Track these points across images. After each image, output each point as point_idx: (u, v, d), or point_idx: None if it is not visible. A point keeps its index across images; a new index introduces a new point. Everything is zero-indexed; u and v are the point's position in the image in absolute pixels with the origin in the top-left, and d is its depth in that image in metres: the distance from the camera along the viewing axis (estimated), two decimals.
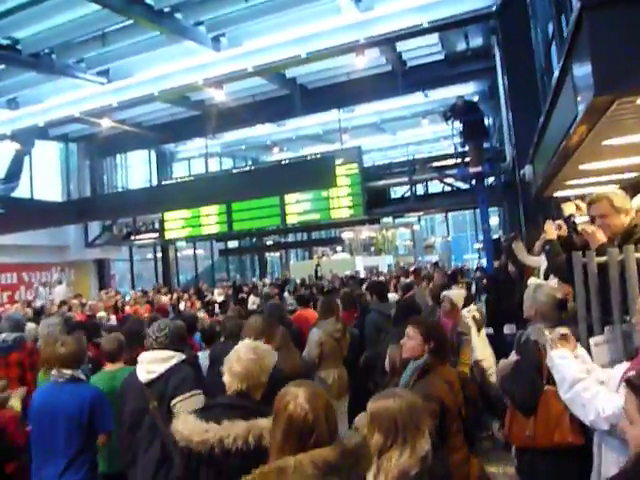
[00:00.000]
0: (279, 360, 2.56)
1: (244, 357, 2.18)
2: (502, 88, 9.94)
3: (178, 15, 9.16)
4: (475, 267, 15.59)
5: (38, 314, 7.45)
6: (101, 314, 7.06)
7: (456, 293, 4.82)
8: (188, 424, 2.02)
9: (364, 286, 7.74)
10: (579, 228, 3.05)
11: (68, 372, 3.11)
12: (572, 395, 2.17)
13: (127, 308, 9.22)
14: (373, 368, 3.84)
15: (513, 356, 3.01)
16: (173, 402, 2.78)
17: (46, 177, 15.99)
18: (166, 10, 8.91)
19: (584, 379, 2.14)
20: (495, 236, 12.95)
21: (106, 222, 15.35)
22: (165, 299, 10.50)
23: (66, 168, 16.50)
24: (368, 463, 1.68)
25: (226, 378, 2.17)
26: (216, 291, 11.64)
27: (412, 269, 12.88)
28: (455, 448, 2.42)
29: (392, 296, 6.78)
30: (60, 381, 3.12)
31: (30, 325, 5.43)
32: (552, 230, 3.40)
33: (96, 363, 4.31)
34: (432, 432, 1.85)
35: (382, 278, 13.00)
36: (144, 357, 3.01)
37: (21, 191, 15.00)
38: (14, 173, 14.90)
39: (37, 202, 14.72)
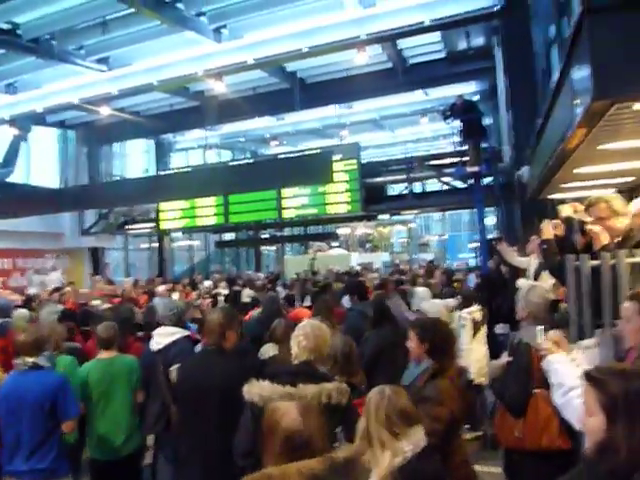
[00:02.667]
0: (282, 354, 2.75)
1: (312, 333, 2.56)
2: (502, 88, 9.96)
3: (180, 5, 9.11)
4: (470, 267, 15.64)
5: (30, 301, 7.43)
6: (96, 302, 7.04)
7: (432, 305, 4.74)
8: (265, 388, 2.25)
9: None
10: (587, 227, 3.02)
11: (30, 360, 3.13)
12: (566, 401, 2.18)
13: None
14: None
15: (504, 357, 3.03)
16: (171, 369, 3.26)
17: (43, 163, 15.91)
18: (168, 0, 8.86)
19: (580, 386, 2.15)
20: (490, 236, 12.99)
21: (102, 210, 15.28)
22: (163, 288, 10.48)
23: (64, 155, 16.40)
24: (362, 476, 1.68)
25: (294, 350, 2.55)
26: (210, 283, 11.62)
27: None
28: (456, 450, 2.41)
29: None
30: (23, 369, 3.15)
31: (21, 311, 5.44)
32: (549, 230, 3.42)
33: (81, 351, 4.33)
34: (436, 433, 1.86)
35: (376, 275, 13.02)
36: (157, 331, 3.83)
37: (17, 177, 14.92)
38: (10, 158, 14.80)
39: (33, 188, 14.63)
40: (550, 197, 6.20)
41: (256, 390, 2.26)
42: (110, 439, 3.51)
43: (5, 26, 9.51)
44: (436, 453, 1.93)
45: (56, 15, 9.33)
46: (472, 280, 8.91)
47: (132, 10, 9.11)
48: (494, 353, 4.71)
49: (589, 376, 1.46)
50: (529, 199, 7.15)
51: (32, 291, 11.29)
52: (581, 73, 3.00)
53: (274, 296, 5.93)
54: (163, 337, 3.73)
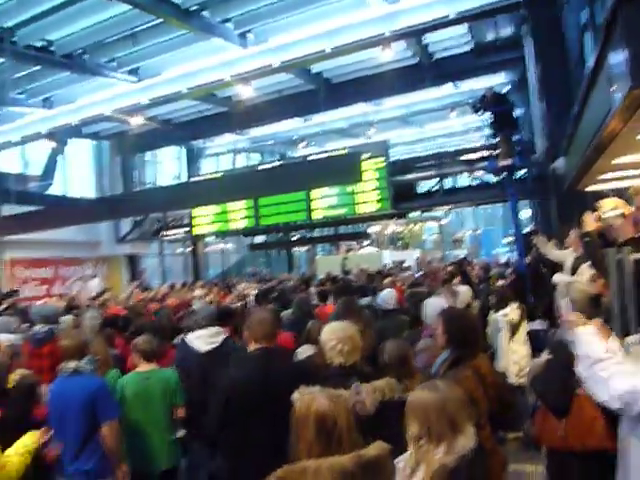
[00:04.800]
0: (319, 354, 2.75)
1: (345, 336, 2.61)
2: (533, 78, 9.71)
3: (205, 13, 9.25)
4: (505, 261, 15.33)
5: (72, 308, 7.67)
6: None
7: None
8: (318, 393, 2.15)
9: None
10: (609, 220, 2.94)
11: (72, 364, 3.22)
12: (590, 374, 2.14)
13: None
14: None
15: (545, 355, 2.95)
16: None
17: (79, 174, 16.44)
18: (194, 8, 9.01)
19: (605, 359, 2.09)
20: (526, 230, 12.68)
21: (137, 218, 15.66)
22: (199, 292, 10.68)
23: (98, 165, 16.93)
24: (390, 475, 1.68)
25: (336, 358, 2.57)
26: (245, 284, 11.81)
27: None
28: (482, 441, 2.38)
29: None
30: (67, 373, 3.23)
31: (68, 317, 5.62)
32: (591, 221, 3.32)
33: (119, 357, 4.41)
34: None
35: (409, 273, 12.89)
36: (201, 333, 3.81)
37: (56, 188, 15.48)
38: (49, 171, 15.37)
39: (71, 199, 15.14)
40: (588, 189, 6.00)
41: (307, 397, 2.22)
42: (146, 454, 3.49)
43: (40, 43, 9.86)
44: (485, 453, 1.91)
45: (87, 30, 9.62)
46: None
47: (160, 20, 9.32)
48: (534, 350, 4.60)
49: None
50: (566, 191, 6.94)
51: (73, 296, 11.68)
52: (618, 59, 2.90)
53: (305, 297, 5.93)
54: (213, 337, 3.77)
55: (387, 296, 4.99)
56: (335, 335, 2.62)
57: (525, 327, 4.94)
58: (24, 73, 10.90)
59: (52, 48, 10.06)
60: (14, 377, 3.41)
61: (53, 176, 15.41)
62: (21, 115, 12.75)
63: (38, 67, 10.79)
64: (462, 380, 2.46)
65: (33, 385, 3.44)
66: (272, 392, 2.64)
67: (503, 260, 16.78)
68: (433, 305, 3.85)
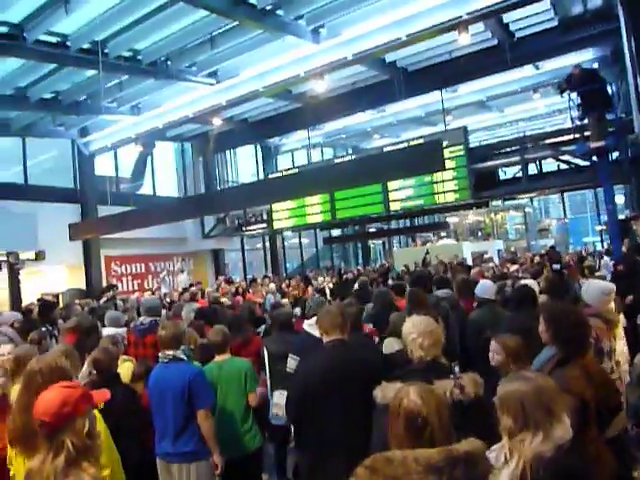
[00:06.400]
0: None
1: (425, 330, 2.59)
2: (628, 51, 8.94)
3: (279, 12, 9.41)
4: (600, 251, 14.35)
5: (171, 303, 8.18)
6: (223, 300, 7.60)
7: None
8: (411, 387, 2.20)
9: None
10: None
11: (170, 353, 3.40)
12: None
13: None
14: None
15: None
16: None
17: (165, 175, 17.45)
18: (268, 8, 9.19)
19: None
20: (621, 217, 11.76)
21: (219, 215, 16.33)
22: (273, 286, 11.04)
23: (182, 166, 17.87)
24: (484, 472, 1.64)
25: (417, 352, 2.55)
26: (326, 278, 12.09)
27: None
28: (591, 442, 2.26)
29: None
30: (165, 361, 3.42)
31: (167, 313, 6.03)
32: None
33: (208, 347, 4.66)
34: (572, 424, 1.78)
35: (491, 265, 12.43)
36: (312, 321, 3.78)
37: (145, 189, 16.54)
38: (139, 173, 16.45)
39: (160, 198, 16.11)
40: None
41: (390, 393, 2.19)
42: (226, 440, 3.60)
43: (127, 54, 10.51)
44: (585, 446, 1.82)
45: (169, 38, 10.12)
46: (608, 265, 8.14)
47: (236, 23, 9.60)
48: (636, 347, 4.26)
49: None
50: None
51: (164, 291, 12.46)
52: None
53: (385, 291, 5.86)
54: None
55: (486, 286, 4.84)
56: (416, 329, 2.61)
57: (622, 321, 4.59)
58: (114, 82, 11.69)
59: (139, 57, 10.69)
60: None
61: (143, 177, 16.47)
62: (112, 122, 13.70)
63: (126, 76, 11.53)
64: (570, 380, 2.34)
65: (146, 372, 3.70)
66: (343, 384, 2.68)
67: (596, 249, 15.70)
68: (595, 285, 3.89)
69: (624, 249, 8.31)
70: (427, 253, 15.34)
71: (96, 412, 2.32)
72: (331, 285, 11.15)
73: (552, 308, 2.85)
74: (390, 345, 3.65)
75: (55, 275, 13.65)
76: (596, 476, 2.06)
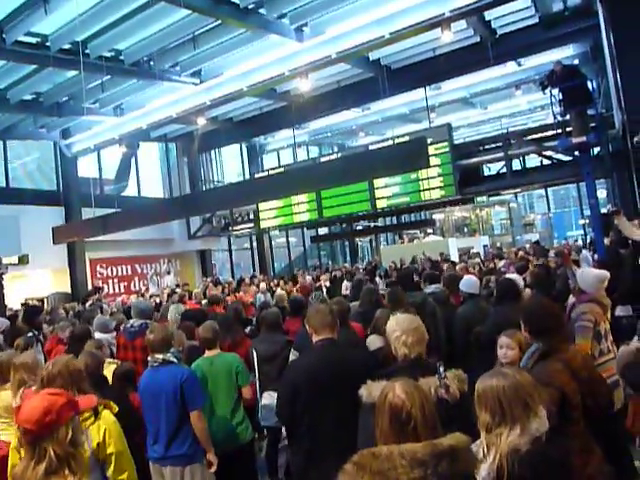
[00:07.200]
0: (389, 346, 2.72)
1: (409, 327, 2.55)
2: (607, 47, 9.07)
3: (262, 10, 9.38)
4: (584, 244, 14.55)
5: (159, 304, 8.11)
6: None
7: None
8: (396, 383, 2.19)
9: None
10: None
11: (159, 356, 3.38)
12: None
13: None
14: None
15: (635, 342, 2.78)
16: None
17: (150, 175, 17.31)
18: (250, 7, 9.16)
19: None
20: (604, 210, 11.94)
21: (206, 215, 16.25)
22: (263, 286, 11.03)
23: (167, 166, 17.73)
24: (469, 466, 1.65)
25: (401, 350, 2.52)
26: (322, 277, 12.17)
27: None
28: (575, 437, 2.29)
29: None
30: (155, 365, 3.40)
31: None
32: None
33: (198, 349, 4.64)
34: (551, 416, 1.81)
35: (477, 260, 12.53)
36: None
37: (130, 190, 16.38)
38: (123, 174, 16.29)
39: (145, 199, 15.96)
40: None
41: (376, 392, 2.20)
42: (217, 433, 3.62)
43: (109, 54, 10.40)
44: (564, 438, 1.85)
45: (152, 37, 10.03)
46: (587, 258, 8.26)
47: (218, 22, 9.55)
48: (617, 337, 4.34)
49: None
50: None
51: (151, 292, 12.36)
52: None
53: (372, 288, 5.88)
54: None
55: (470, 281, 4.89)
56: (399, 326, 2.60)
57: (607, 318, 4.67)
58: (96, 83, 11.55)
59: (121, 57, 10.58)
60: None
61: (127, 179, 16.31)
62: (95, 123, 13.54)
63: (109, 77, 11.40)
64: (552, 373, 2.37)
65: (129, 372, 3.67)
66: (334, 384, 2.67)
67: (577, 243, 15.91)
68: (590, 273, 3.94)
69: (607, 242, 8.43)
70: (423, 253, 15.27)
71: (111, 416, 2.31)
72: (328, 283, 11.16)
73: (526, 306, 2.90)
74: (373, 343, 3.65)
75: (40, 279, 13.47)
76: (577, 468, 2.09)
